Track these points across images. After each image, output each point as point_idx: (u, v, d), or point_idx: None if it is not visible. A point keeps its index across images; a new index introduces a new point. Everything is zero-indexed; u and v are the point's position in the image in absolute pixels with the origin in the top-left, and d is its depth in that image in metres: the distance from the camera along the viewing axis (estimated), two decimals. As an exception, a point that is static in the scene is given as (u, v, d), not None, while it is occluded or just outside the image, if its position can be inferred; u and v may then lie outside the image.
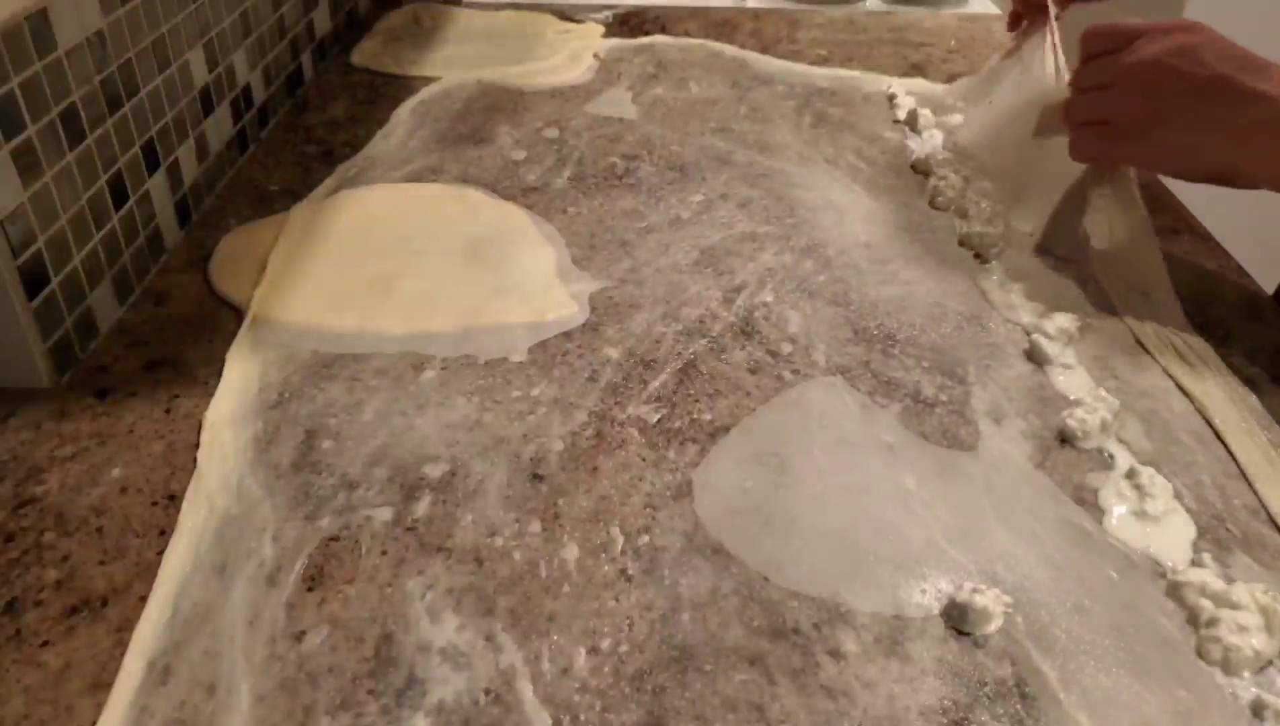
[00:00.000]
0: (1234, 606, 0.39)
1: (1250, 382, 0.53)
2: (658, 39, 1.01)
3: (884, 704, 0.36)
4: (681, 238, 0.66)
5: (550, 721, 0.35)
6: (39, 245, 0.50)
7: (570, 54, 0.96)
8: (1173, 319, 0.57)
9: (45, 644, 0.38)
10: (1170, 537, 0.43)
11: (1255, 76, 0.52)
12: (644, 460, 0.47)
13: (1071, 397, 0.51)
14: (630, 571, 0.41)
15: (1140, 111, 0.56)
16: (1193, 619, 0.40)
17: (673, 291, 0.60)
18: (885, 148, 0.79)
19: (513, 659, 0.38)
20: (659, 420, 0.50)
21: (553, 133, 0.80)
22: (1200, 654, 0.38)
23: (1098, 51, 0.58)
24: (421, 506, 0.44)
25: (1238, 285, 0.61)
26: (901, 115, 0.83)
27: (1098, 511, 0.45)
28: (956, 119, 0.81)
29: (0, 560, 0.42)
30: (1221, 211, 0.76)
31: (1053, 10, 0.69)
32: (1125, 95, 0.56)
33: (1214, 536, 0.43)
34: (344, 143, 0.79)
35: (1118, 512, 0.45)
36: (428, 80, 0.90)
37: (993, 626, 0.39)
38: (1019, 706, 0.36)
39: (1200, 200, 0.72)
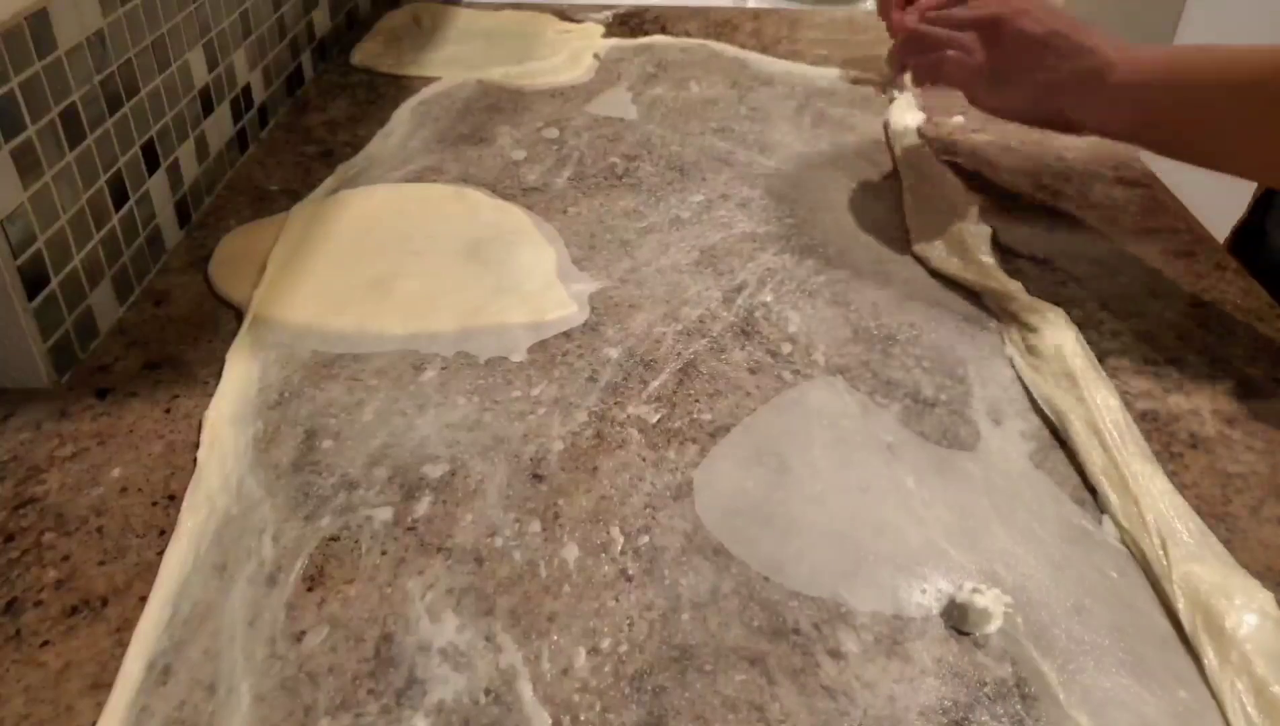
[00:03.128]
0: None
1: (1250, 383, 0.53)
2: (658, 39, 1.01)
3: (884, 704, 0.36)
4: (681, 238, 0.66)
5: (550, 721, 0.35)
6: (39, 245, 0.50)
7: (570, 54, 0.96)
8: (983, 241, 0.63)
9: (45, 644, 0.38)
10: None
11: (1082, 34, 0.60)
12: (644, 460, 0.47)
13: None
14: (630, 571, 0.41)
15: (984, 59, 0.63)
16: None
17: (673, 291, 0.60)
18: (885, 147, 0.79)
19: (513, 659, 0.38)
20: (659, 420, 0.50)
21: (553, 133, 0.80)
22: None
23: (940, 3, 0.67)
24: (421, 506, 0.44)
25: (1238, 285, 0.61)
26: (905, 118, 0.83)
27: (1097, 511, 0.45)
28: (957, 120, 0.81)
29: (0, 560, 0.42)
30: (1222, 211, 0.76)
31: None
32: (970, 42, 0.64)
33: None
34: (344, 143, 0.79)
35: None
36: (428, 80, 0.90)
37: (993, 626, 0.39)
38: (1019, 706, 0.36)
39: (1201, 200, 0.72)
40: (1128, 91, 0.58)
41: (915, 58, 0.68)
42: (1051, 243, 0.65)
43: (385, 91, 0.89)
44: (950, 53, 0.65)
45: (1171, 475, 0.47)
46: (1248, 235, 0.75)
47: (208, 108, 0.70)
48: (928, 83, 0.67)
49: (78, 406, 0.50)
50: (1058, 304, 0.57)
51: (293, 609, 0.39)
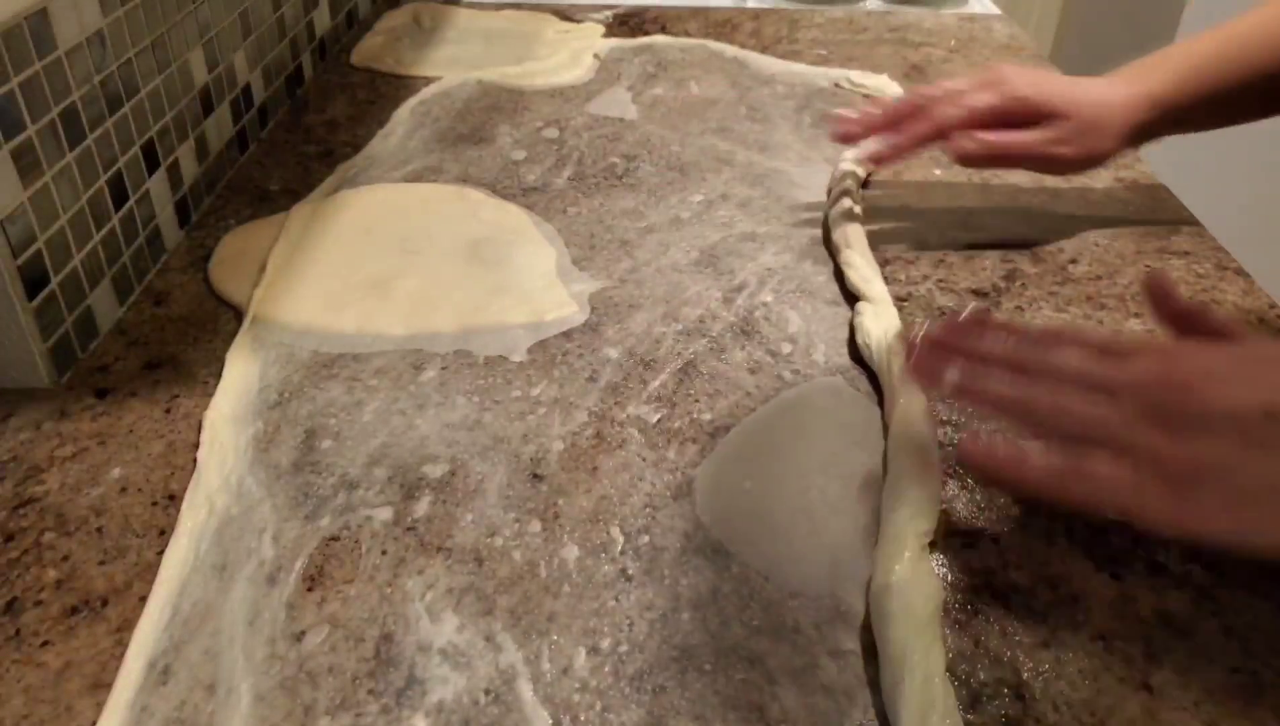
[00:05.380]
0: None
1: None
2: (658, 39, 1.01)
3: (884, 703, 0.36)
4: (681, 238, 0.66)
5: (550, 721, 0.35)
6: (39, 245, 0.50)
7: (570, 54, 0.96)
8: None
9: (45, 644, 0.38)
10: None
11: None
12: (644, 460, 0.47)
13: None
14: (630, 571, 0.41)
15: (1157, 456, 0.36)
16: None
17: (673, 291, 0.60)
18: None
19: (513, 659, 0.38)
20: (659, 420, 0.50)
21: (553, 133, 0.80)
22: None
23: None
24: (421, 506, 0.44)
25: (1238, 285, 0.61)
26: None
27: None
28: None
29: (0, 560, 0.42)
30: (1222, 211, 0.76)
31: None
32: (1127, 423, 0.37)
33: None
34: (344, 143, 0.79)
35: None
36: (428, 80, 0.90)
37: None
38: (1019, 707, 0.36)
39: (1201, 199, 0.72)
40: None
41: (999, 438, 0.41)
42: (1052, 242, 0.65)
43: (385, 91, 0.89)
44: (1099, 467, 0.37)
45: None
46: None
47: (208, 108, 0.70)
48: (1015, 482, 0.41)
49: (78, 406, 0.50)
50: (1058, 304, 0.57)
51: (293, 609, 0.39)
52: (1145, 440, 0.36)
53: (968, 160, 0.60)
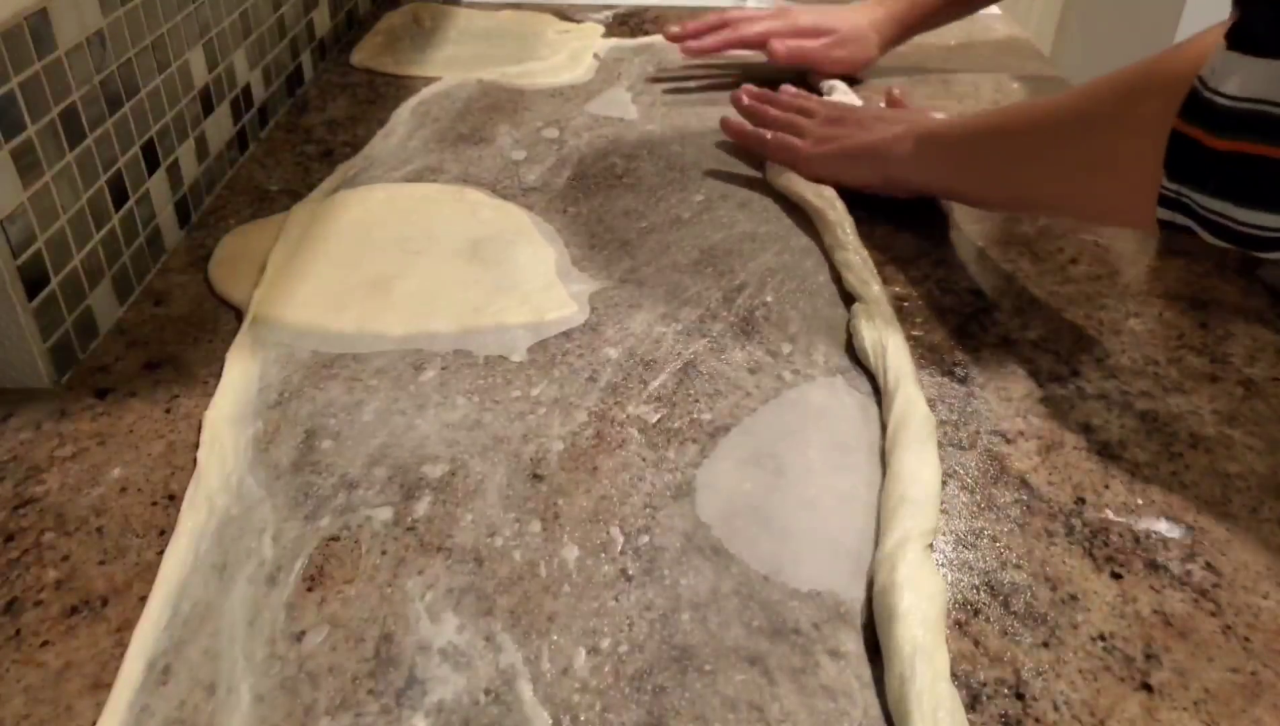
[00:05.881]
0: None
1: (1250, 383, 0.53)
2: (658, 39, 1.01)
3: (884, 703, 0.36)
4: (681, 238, 0.66)
5: (550, 721, 0.35)
6: (39, 245, 0.50)
7: (570, 54, 0.96)
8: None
9: (45, 644, 0.38)
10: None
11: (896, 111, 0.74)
12: (644, 460, 0.47)
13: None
14: (630, 571, 0.41)
15: (809, 137, 0.73)
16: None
17: (673, 291, 0.60)
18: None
19: (513, 659, 0.38)
20: (659, 420, 0.50)
21: (553, 133, 0.80)
22: None
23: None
24: (421, 506, 0.44)
25: (1238, 284, 0.61)
26: None
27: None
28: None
29: (0, 560, 0.42)
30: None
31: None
32: (794, 120, 0.75)
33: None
34: (344, 143, 0.79)
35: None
36: (428, 80, 0.90)
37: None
38: (1019, 707, 0.36)
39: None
40: (934, 140, 0.63)
41: (749, 134, 0.76)
42: (1052, 242, 0.65)
43: (385, 91, 0.89)
44: (771, 135, 0.74)
45: (1171, 475, 0.47)
46: None
47: (208, 108, 0.70)
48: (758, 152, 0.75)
49: (78, 406, 0.50)
50: (1058, 304, 0.57)
51: (293, 609, 0.39)
52: (814, 130, 0.72)
53: (777, 58, 0.88)
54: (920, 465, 0.45)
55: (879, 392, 0.51)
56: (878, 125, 0.69)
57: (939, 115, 0.69)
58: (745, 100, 0.78)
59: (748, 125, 0.76)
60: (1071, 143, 0.51)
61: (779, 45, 0.88)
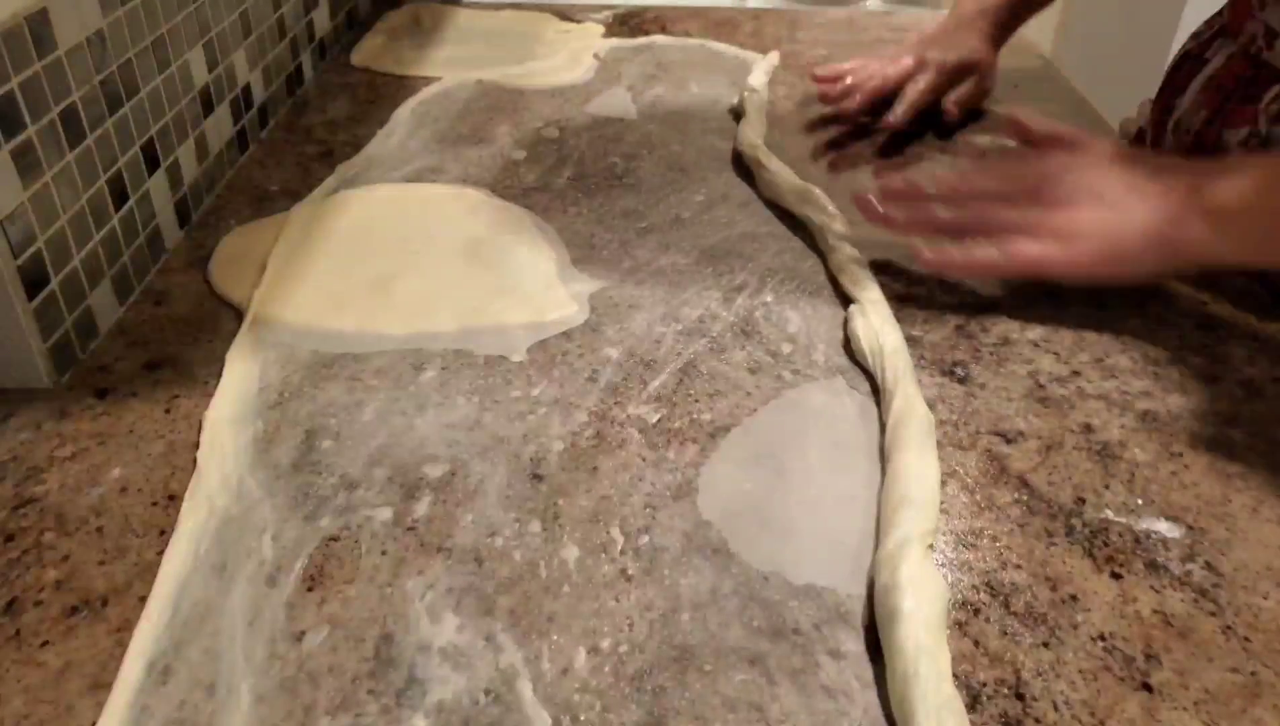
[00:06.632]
0: None
1: (1250, 383, 0.53)
2: (657, 39, 1.01)
3: (884, 704, 0.36)
4: (681, 238, 0.66)
5: (550, 721, 0.35)
6: (39, 245, 0.50)
7: (570, 54, 0.96)
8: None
9: (45, 644, 0.38)
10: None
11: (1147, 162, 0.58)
12: (644, 460, 0.47)
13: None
14: (630, 571, 0.41)
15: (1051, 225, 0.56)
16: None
17: (673, 291, 0.60)
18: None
19: (513, 659, 0.38)
20: (659, 420, 0.50)
21: (553, 133, 0.80)
22: None
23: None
24: (421, 506, 0.44)
25: (1238, 285, 0.61)
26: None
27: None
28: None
29: (0, 560, 0.42)
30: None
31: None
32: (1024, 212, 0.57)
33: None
34: (344, 143, 0.79)
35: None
36: (428, 80, 0.90)
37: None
38: (1019, 707, 0.36)
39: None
40: (1265, 214, 0.51)
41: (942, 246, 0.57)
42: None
43: (385, 91, 0.89)
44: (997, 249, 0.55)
45: (1171, 475, 0.47)
46: None
47: (208, 108, 0.70)
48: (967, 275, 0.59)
49: (78, 406, 0.50)
50: (1058, 301, 0.57)
51: (293, 609, 0.39)
52: (1041, 222, 0.54)
53: (954, 119, 0.80)
54: (920, 465, 0.45)
55: (878, 393, 0.51)
56: (1128, 195, 0.54)
57: (1194, 172, 0.54)
58: (897, 216, 0.59)
59: (957, 257, 0.56)
60: None
61: (954, 109, 0.81)
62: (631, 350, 0.55)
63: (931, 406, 0.50)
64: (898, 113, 0.79)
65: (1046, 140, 0.60)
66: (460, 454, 0.47)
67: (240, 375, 0.52)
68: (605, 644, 0.38)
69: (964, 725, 0.34)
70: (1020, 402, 0.51)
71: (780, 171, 0.70)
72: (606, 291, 0.60)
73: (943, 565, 0.42)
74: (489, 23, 1.05)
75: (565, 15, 1.07)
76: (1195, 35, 0.78)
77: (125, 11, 0.58)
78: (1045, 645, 0.39)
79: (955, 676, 0.37)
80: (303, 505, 0.44)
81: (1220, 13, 0.75)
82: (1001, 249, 0.54)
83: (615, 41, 1.00)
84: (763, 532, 0.43)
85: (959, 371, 0.53)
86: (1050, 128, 0.61)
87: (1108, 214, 0.54)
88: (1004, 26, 0.84)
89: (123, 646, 0.38)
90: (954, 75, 0.81)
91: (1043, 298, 0.59)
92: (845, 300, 0.59)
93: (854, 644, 0.38)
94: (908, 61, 0.81)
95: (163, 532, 0.43)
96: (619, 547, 0.43)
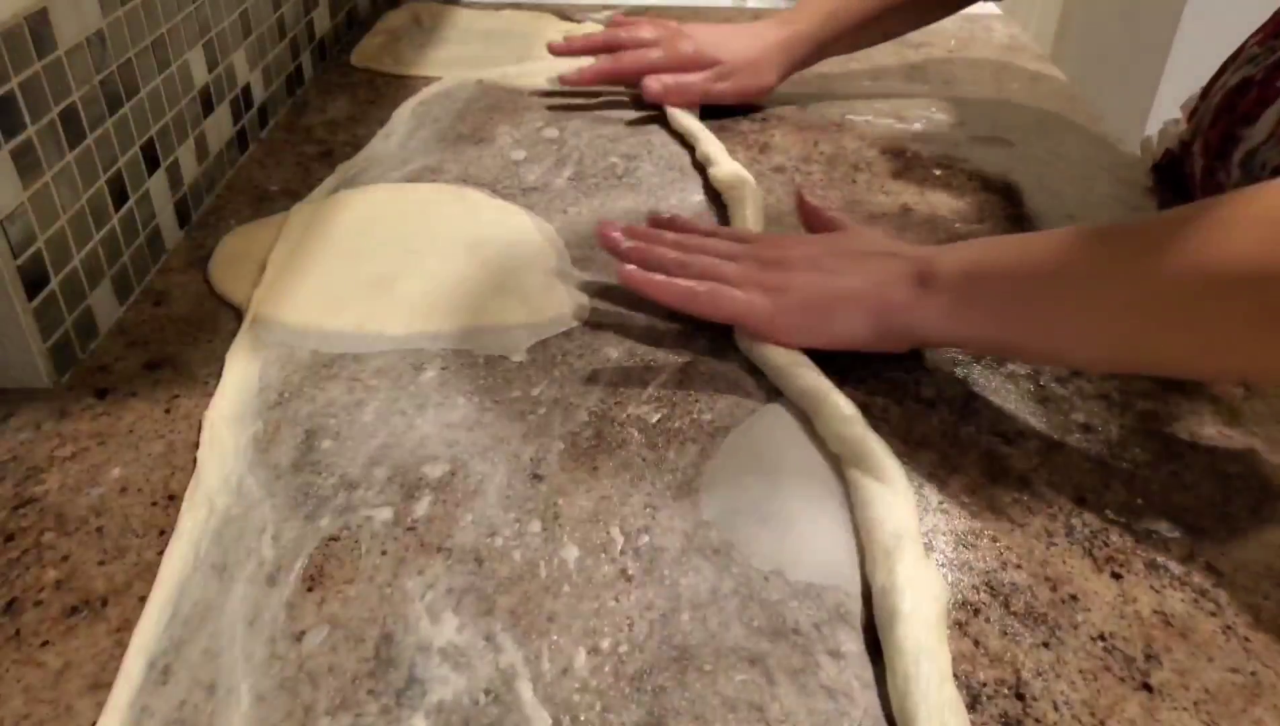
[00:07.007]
0: None
1: (1250, 383, 0.53)
2: (658, 39, 1.01)
3: (884, 704, 0.36)
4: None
5: (550, 721, 0.35)
6: (39, 245, 0.50)
7: (570, 54, 0.96)
8: None
9: (45, 644, 0.38)
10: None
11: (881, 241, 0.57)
12: (644, 460, 0.47)
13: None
14: (630, 571, 0.41)
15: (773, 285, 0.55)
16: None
17: (673, 291, 0.60)
18: (885, 147, 0.79)
19: (513, 659, 0.38)
20: (659, 420, 0.50)
21: (553, 133, 0.80)
22: None
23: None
24: (421, 506, 0.44)
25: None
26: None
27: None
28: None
29: (0, 560, 0.42)
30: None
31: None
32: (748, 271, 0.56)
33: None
34: (344, 143, 0.79)
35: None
36: (428, 80, 0.90)
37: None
38: (1019, 707, 0.36)
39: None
40: (964, 281, 0.49)
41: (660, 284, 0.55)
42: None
43: (385, 91, 0.89)
44: (704, 287, 0.54)
45: (1171, 475, 0.47)
46: None
47: (208, 108, 0.70)
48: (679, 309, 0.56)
49: (78, 406, 0.50)
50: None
51: (293, 609, 0.39)
52: (754, 276, 0.54)
53: (652, 98, 0.82)
54: (889, 465, 0.45)
55: (879, 393, 0.51)
56: (847, 262, 0.53)
57: (919, 249, 0.53)
58: (624, 244, 0.57)
59: (658, 278, 0.54)
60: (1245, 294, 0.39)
61: (654, 85, 0.81)
62: (631, 350, 0.55)
63: (931, 406, 0.50)
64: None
65: (821, 225, 0.60)
66: (460, 454, 0.47)
67: (240, 375, 0.52)
68: (605, 644, 0.38)
69: (965, 725, 0.34)
70: (1020, 403, 0.51)
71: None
72: (607, 291, 0.60)
73: (943, 565, 0.42)
74: (489, 23, 1.05)
75: (565, 15, 1.07)
76: (1251, 59, 0.67)
77: (125, 11, 0.58)
78: (1045, 645, 0.39)
79: (955, 676, 0.37)
80: (303, 505, 0.44)
81: (1277, 33, 0.67)
82: (708, 288, 0.53)
83: (615, 41, 1.00)
84: (763, 532, 0.43)
85: (959, 372, 0.53)
86: (822, 215, 0.60)
87: (819, 277, 0.53)
88: (801, 64, 0.83)
89: (122, 646, 0.38)
90: (689, 63, 0.82)
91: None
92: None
93: (854, 644, 0.38)
94: (696, 86, 0.82)
95: (162, 532, 0.43)
96: (619, 547, 0.43)
